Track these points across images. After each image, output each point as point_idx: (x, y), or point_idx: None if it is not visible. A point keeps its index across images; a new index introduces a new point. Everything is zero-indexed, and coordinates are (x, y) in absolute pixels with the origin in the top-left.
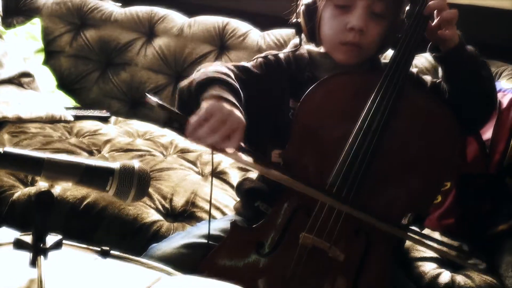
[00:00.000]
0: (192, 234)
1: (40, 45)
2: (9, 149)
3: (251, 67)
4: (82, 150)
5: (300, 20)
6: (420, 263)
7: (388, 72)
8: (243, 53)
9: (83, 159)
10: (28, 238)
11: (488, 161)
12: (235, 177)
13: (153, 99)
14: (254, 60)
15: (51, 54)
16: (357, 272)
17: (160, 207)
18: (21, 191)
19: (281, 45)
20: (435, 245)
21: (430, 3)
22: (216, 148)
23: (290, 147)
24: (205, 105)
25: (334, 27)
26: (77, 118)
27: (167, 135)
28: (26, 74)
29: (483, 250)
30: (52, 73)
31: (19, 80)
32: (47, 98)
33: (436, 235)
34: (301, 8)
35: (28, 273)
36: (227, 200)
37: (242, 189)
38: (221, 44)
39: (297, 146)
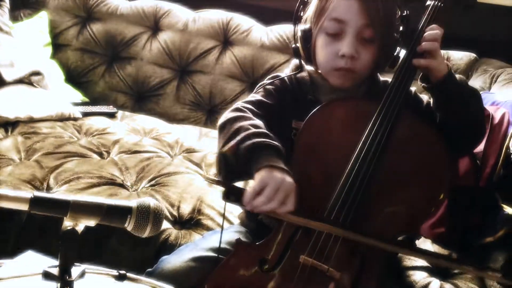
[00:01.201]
0: (200, 247)
1: (48, 38)
2: (38, 193)
3: (264, 99)
4: (93, 152)
5: (299, 44)
6: (411, 272)
7: (385, 101)
8: (246, 48)
9: (104, 199)
10: (55, 270)
11: (479, 174)
12: (240, 184)
13: (211, 178)
14: (261, 88)
15: (58, 48)
16: (352, 287)
17: (168, 215)
18: None
19: (284, 42)
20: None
21: (423, 43)
22: (276, 213)
23: (292, 170)
24: (258, 176)
25: (327, 55)
26: (85, 114)
27: (172, 133)
28: (36, 73)
29: (472, 259)
30: (60, 66)
31: (30, 79)
32: (56, 96)
33: (428, 243)
34: (298, 34)
35: None
36: (233, 207)
37: None
38: (225, 39)
39: (299, 169)
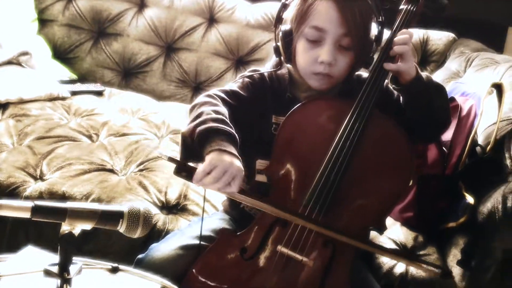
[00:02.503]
0: (187, 235)
1: (34, 14)
2: (39, 202)
3: (239, 90)
4: (82, 135)
5: (279, 44)
6: (380, 256)
7: (359, 102)
8: (232, 26)
9: (98, 205)
10: (54, 268)
11: (445, 164)
12: None
13: (164, 154)
14: (241, 80)
15: (44, 23)
16: (324, 274)
17: (156, 200)
18: (32, 187)
19: (269, 20)
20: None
21: (395, 47)
22: (220, 191)
23: (272, 166)
24: (208, 158)
25: (306, 60)
26: (74, 93)
27: (159, 113)
28: (24, 53)
29: (436, 242)
30: (46, 42)
31: (18, 59)
32: (45, 76)
33: (397, 225)
34: (280, 34)
35: None
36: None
37: None
38: (210, 16)
39: (278, 166)
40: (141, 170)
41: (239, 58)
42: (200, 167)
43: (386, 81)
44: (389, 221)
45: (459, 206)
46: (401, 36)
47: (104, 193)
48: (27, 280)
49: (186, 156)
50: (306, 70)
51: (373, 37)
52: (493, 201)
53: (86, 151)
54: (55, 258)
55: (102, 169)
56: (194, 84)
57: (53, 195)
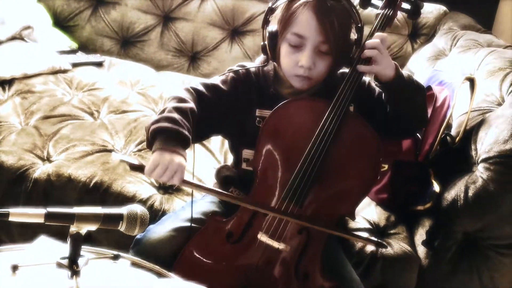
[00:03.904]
0: (180, 218)
1: None
2: (51, 209)
3: (220, 85)
4: (84, 112)
5: (266, 43)
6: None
7: (335, 103)
8: None
9: (101, 209)
10: (65, 261)
11: (418, 152)
12: (216, 143)
13: (118, 156)
14: (226, 74)
15: None
16: (299, 257)
17: (153, 181)
18: (41, 169)
19: None
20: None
21: (365, 51)
22: (168, 183)
23: (255, 159)
24: (152, 156)
25: (288, 63)
26: (75, 65)
27: (157, 86)
28: (26, 27)
29: (406, 222)
30: (47, 10)
31: (20, 34)
32: (47, 49)
33: (373, 205)
34: (266, 34)
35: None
36: (208, 172)
37: (219, 176)
38: None
39: (261, 157)
40: (139, 150)
41: (235, 28)
42: (148, 165)
43: (368, 79)
44: (365, 200)
45: (427, 192)
46: (371, 40)
47: (106, 175)
48: (42, 269)
49: (149, 147)
50: (288, 71)
51: (353, 40)
52: (457, 189)
53: (88, 131)
54: (65, 248)
55: (104, 150)
56: (191, 54)
57: (60, 177)
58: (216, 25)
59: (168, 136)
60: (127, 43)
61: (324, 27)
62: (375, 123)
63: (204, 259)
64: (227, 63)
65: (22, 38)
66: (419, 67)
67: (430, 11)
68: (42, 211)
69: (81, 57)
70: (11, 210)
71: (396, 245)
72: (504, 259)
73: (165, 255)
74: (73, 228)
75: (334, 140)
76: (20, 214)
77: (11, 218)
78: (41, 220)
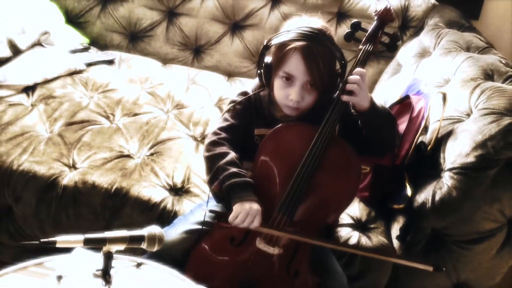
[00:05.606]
0: (189, 221)
1: None
2: (88, 235)
3: (233, 121)
4: (101, 116)
5: (262, 71)
6: (339, 229)
7: (321, 131)
8: None
9: (127, 232)
10: (99, 273)
11: (395, 158)
12: None
13: (207, 209)
14: (232, 108)
15: None
16: (290, 259)
17: (165, 184)
18: (68, 177)
19: None
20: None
21: (347, 85)
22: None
23: (253, 175)
24: (234, 208)
25: (280, 95)
26: (88, 65)
27: (164, 84)
28: (44, 33)
29: (384, 218)
30: (59, 8)
31: (39, 40)
32: (62, 51)
33: (356, 202)
34: (263, 65)
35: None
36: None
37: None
38: None
39: (258, 176)
40: (151, 154)
41: (235, 23)
42: (231, 214)
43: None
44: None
45: (402, 194)
46: (352, 76)
47: (124, 180)
48: (80, 278)
49: (217, 200)
50: (280, 101)
51: (338, 73)
52: (426, 193)
53: (106, 137)
54: (97, 258)
55: (121, 155)
56: (195, 47)
57: (85, 184)
58: (217, 20)
59: (240, 189)
60: (135, 38)
61: (311, 70)
62: (354, 143)
63: (211, 257)
64: (229, 55)
65: (40, 44)
66: (406, 62)
67: (419, 5)
68: (81, 237)
69: (94, 55)
70: (58, 238)
71: (375, 238)
72: (465, 252)
73: (178, 254)
74: (105, 248)
75: (320, 162)
76: (65, 241)
77: (58, 245)
78: (80, 244)
